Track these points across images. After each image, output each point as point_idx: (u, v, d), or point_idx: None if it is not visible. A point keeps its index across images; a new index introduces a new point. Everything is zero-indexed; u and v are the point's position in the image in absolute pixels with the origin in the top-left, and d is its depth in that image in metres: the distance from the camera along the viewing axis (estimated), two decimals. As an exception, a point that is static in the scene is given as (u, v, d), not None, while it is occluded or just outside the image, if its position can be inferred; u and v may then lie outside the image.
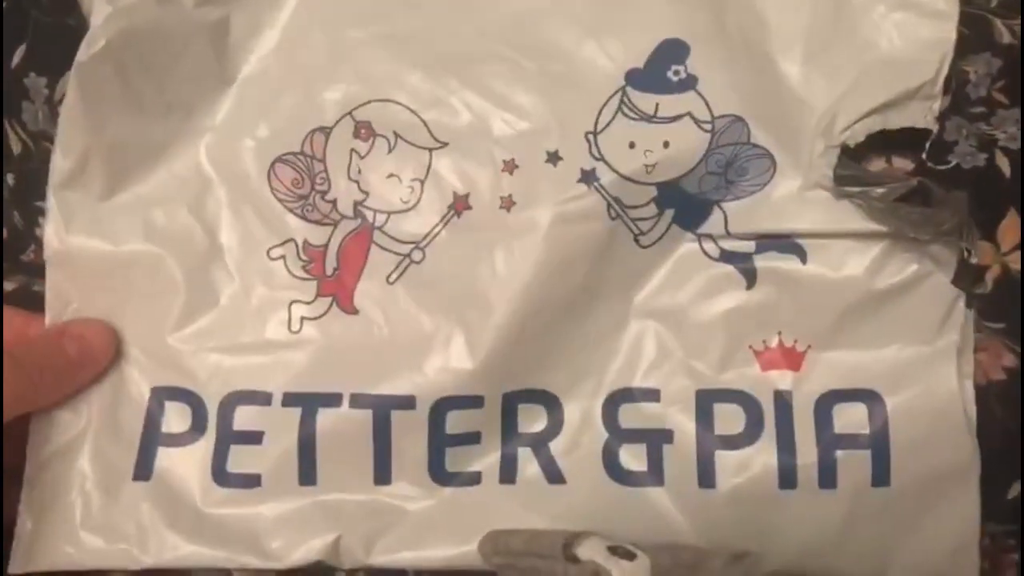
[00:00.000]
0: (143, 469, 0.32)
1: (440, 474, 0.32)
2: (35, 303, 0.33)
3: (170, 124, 0.33)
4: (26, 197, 0.34)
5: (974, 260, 0.30)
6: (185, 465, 0.32)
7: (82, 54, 0.31)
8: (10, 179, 0.35)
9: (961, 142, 0.31)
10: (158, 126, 0.33)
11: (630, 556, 0.27)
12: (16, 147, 0.34)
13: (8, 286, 0.35)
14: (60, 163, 0.32)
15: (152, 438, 0.32)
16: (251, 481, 0.32)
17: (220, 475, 0.32)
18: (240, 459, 0.32)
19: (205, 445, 0.32)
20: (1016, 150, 0.31)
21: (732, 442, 0.32)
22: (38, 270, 0.33)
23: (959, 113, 0.31)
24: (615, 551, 0.28)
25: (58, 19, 0.33)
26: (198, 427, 0.32)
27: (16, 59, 0.35)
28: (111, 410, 0.33)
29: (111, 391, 0.33)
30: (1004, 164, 0.31)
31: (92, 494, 0.32)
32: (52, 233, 0.32)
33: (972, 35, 0.31)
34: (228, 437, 0.32)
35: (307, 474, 0.32)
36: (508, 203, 0.32)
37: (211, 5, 0.33)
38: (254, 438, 0.32)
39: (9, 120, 0.34)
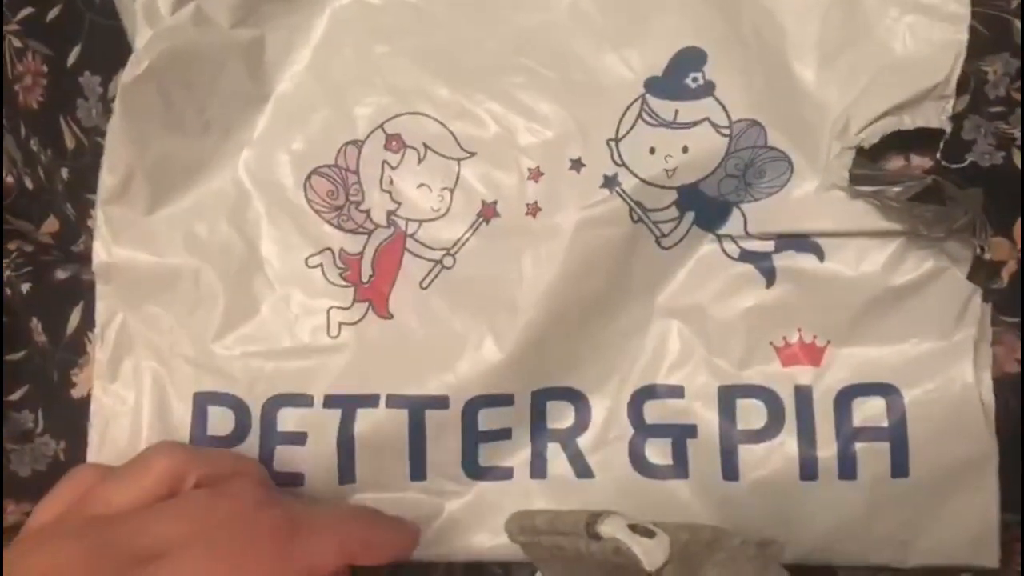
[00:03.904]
0: None
1: (473, 469, 0.34)
2: (84, 292, 0.35)
3: (209, 140, 0.35)
4: (79, 190, 0.36)
5: (988, 256, 0.30)
6: None
7: (126, 76, 0.32)
8: (64, 173, 0.36)
9: (979, 141, 0.31)
10: (198, 143, 0.34)
11: (650, 534, 0.28)
12: (71, 143, 0.36)
13: (60, 275, 0.36)
14: (107, 180, 0.34)
15: (199, 442, 0.34)
16: (295, 480, 0.34)
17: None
18: (284, 459, 0.34)
19: (251, 447, 0.34)
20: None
21: (755, 436, 0.33)
22: (88, 260, 0.35)
23: (977, 112, 0.31)
24: (635, 529, 0.28)
25: (112, 20, 0.35)
26: (242, 430, 0.34)
27: (72, 59, 0.36)
28: (160, 417, 0.34)
29: (158, 399, 0.34)
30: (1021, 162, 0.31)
31: None
32: (100, 247, 0.34)
33: (991, 35, 0.31)
34: (272, 439, 0.34)
35: (346, 473, 0.34)
36: (534, 209, 0.33)
37: (246, 26, 0.34)
38: (297, 439, 0.34)
39: (64, 117, 0.36)
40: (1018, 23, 0.30)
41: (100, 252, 0.34)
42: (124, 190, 0.34)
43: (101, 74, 0.36)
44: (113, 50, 0.34)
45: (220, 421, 0.34)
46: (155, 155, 0.34)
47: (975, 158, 0.31)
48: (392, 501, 0.34)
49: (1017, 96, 0.30)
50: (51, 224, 0.36)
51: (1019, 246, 0.31)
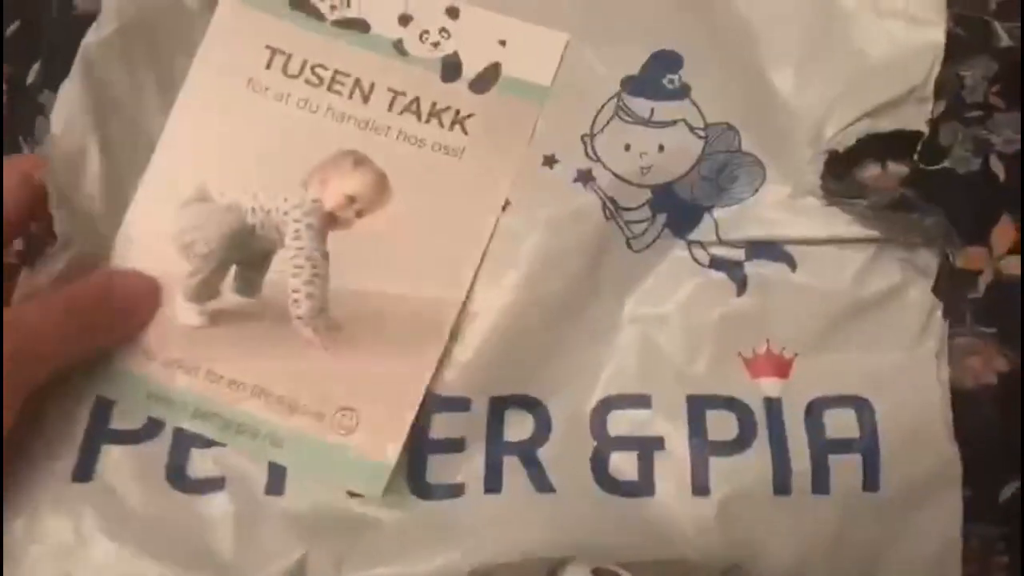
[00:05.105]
0: (84, 470, 0.30)
1: (420, 484, 0.31)
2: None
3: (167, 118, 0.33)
4: None
5: (958, 264, 0.30)
6: (135, 466, 0.30)
7: (91, 36, 0.31)
8: None
9: (956, 147, 0.31)
10: (157, 120, 0.32)
11: None
12: None
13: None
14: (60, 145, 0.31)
15: (97, 434, 0.30)
16: (212, 486, 0.30)
17: (177, 478, 0.30)
18: (201, 462, 0.31)
19: (160, 444, 0.31)
20: (1011, 154, 0.31)
21: (725, 448, 0.31)
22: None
23: (955, 118, 0.31)
24: (599, 573, 0.27)
25: (72, 36, 0.32)
26: (153, 426, 0.31)
27: (31, 76, 0.34)
28: (59, 404, 0.30)
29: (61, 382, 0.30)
30: (999, 168, 0.31)
31: (30, 499, 0.30)
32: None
33: (970, 38, 0.31)
34: (188, 438, 0.31)
35: (274, 482, 0.30)
36: (504, 206, 0.32)
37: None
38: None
39: (24, 137, 0.34)
40: (997, 25, 0.30)
41: None
42: (80, 155, 0.31)
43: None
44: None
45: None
46: (115, 122, 0.32)
47: (952, 164, 0.31)
48: (324, 516, 0.30)
49: (995, 101, 0.30)
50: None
51: (995, 254, 0.31)
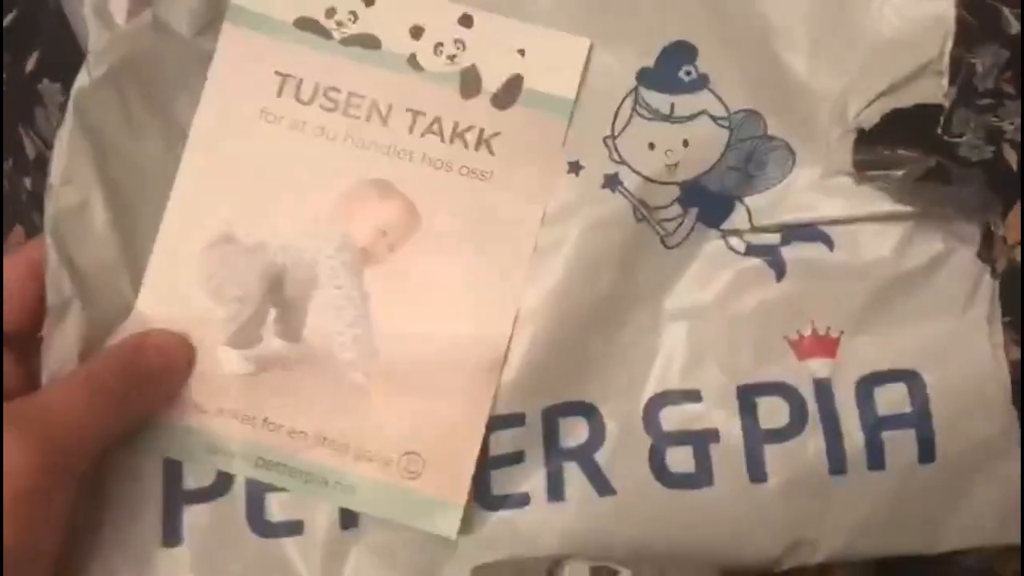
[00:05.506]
0: (172, 534, 0.31)
1: (487, 499, 0.31)
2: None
3: (175, 152, 0.32)
4: (43, 199, 0.32)
5: (1000, 232, 0.30)
6: (218, 521, 0.31)
7: (82, 80, 0.30)
8: (28, 183, 0.33)
9: (968, 135, 0.31)
10: (168, 154, 0.32)
11: (614, 574, 0.28)
12: (31, 152, 0.33)
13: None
14: (64, 196, 0.30)
15: (175, 497, 0.31)
16: (293, 529, 0.31)
17: (258, 525, 0.31)
18: (279, 506, 0.31)
19: (236, 495, 0.31)
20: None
21: (779, 434, 0.31)
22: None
23: (966, 105, 0.30)
24: (599, 572, 0.29)
25: (69, 26, 0.32)
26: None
27: (29, 65, 0.34)
28: (127, 473, 0.31)
29: (123, 450, 0.31)
30: (1011, 157, 0.31)
31: (121, 569, 0.30)
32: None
33: (980, 25, 0.31)
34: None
35: (349, 516, 0.31)
36: (536, 220, 0.32)
37: (210, 35, 0.31)
38: None
39: (24, 127, 0.33)
40: (1007, 11, 0.30)
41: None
42: (82, 207, 0.30)
43: (62, 81, 0.33)
44: (74, 56, 0.31)
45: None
46: (117, 168, 0.31)
47: (964, 152, 0.30)
48: (402, 542, 0.31)
49: (1006, 88, 0.30)
50: (17, 234, 0.33)
51: (1009, 243, 0.31)
